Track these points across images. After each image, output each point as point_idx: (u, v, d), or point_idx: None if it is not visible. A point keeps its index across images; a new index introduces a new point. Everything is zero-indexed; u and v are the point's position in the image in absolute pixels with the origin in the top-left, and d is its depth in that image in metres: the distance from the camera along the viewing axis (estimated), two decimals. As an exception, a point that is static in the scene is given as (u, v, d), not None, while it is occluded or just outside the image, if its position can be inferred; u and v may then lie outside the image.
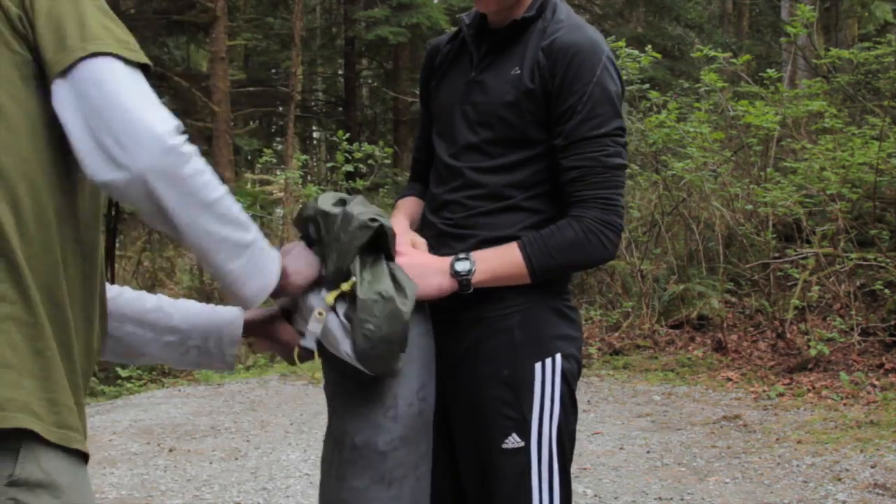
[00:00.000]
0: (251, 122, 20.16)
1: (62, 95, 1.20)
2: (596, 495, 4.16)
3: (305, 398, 6.62)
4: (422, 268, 1.70)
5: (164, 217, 1.27)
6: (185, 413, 6.30)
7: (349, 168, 9.35)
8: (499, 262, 1.72)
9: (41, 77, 1.23)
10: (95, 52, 1.21)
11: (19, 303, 1.19)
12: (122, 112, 1.20)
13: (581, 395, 6.33)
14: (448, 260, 1.72)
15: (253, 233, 1.39)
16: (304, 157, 12.45)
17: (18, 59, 1.22)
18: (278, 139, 20.44)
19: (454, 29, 1.98)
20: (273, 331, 1.69)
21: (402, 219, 1.91)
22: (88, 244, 1.31)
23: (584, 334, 1.87)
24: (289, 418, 6.01)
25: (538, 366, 1.76)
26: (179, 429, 5.81)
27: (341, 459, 1.64)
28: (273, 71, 20.04)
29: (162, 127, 1.22)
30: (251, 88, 18.10)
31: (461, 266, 1.70)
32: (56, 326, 1.23)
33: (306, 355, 1.64)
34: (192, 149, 1.26)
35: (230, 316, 1.65)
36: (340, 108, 18.25)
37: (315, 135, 21.83)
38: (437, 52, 1.97)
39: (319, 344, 1.61)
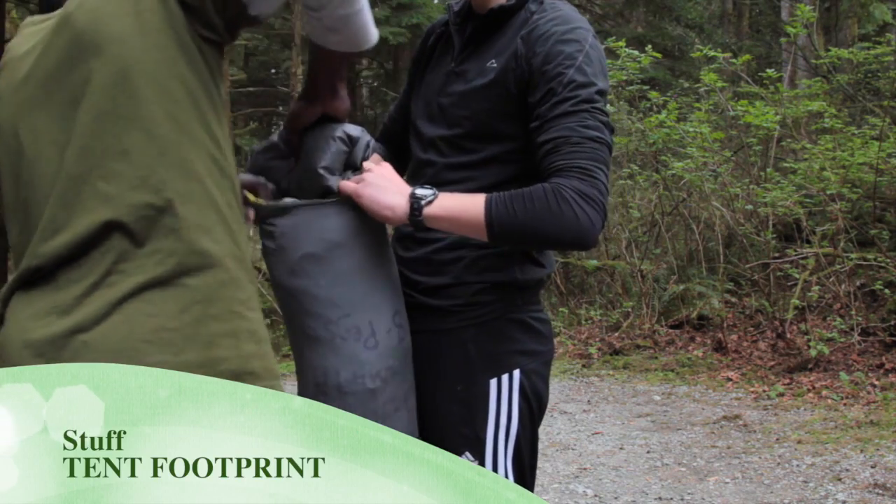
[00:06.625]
0: (251, 122, 20.20)
1: None
2: (596, 495, 4.16)
3: (305, 398, 6.63)
4: (386, 180, 1.55)
5: None
6: (185, 413, 6.30)
7: (349, 168, 9.35)
8: (459, 202, 1.54)
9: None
10: None
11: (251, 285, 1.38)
12: None
13: (581, 395, 6.37)
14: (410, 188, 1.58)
15: None
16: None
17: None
18: (278, 139, 20.44)
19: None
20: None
21: None
22: None
23: (555, 346, 1.75)
24: (289, 418, 6.00)
25: (493, 382, 1.66)
26: (179, 429, 5.80)
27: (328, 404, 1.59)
28: (273, 71, 20.06)
29: None
30: (251, 88, 18.13)
31: (421, 191, 1.55)
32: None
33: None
34: None
35: None
36: (340, 109, 18.26)
37: (315, 135, 21.85)
38: (431, 34, 1.88)
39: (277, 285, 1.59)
